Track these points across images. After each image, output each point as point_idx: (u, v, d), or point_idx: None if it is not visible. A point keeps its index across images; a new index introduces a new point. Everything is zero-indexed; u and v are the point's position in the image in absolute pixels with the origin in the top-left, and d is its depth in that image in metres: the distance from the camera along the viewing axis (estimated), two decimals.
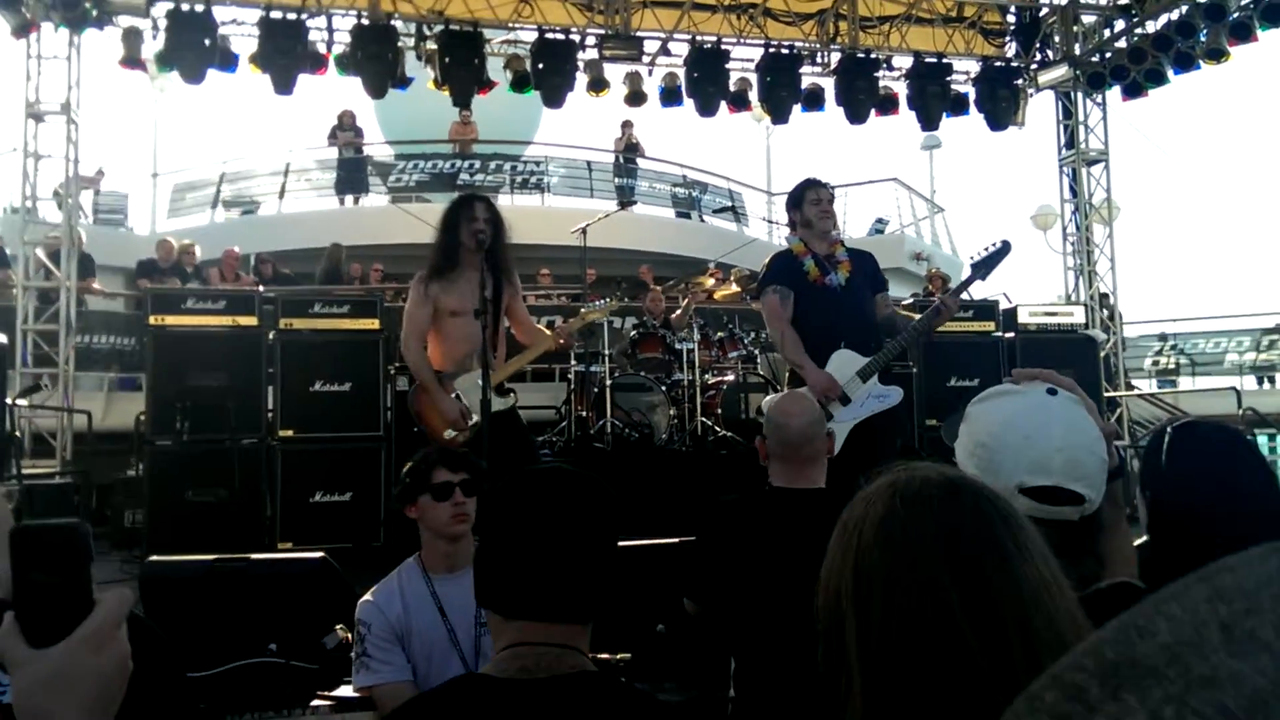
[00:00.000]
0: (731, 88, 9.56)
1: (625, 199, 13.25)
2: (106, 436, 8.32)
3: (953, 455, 1.67)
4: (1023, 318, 7.92)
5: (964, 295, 4.92)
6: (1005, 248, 4.39)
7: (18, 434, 6.28)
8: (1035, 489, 1.46)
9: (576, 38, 9.24)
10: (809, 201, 4.60)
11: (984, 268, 4.40)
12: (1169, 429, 1.82)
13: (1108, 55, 9.94)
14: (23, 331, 8.02)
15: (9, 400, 6.18)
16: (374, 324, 6.62)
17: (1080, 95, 10.51)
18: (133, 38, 8.63)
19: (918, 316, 4.54)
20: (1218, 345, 14.80)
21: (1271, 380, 14.21)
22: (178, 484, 6.06)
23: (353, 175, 14.26)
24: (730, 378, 7.72)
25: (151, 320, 6.34)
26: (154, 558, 3.11)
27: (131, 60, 8.75)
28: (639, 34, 9.44)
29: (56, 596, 0.85)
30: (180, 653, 2.62)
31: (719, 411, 7.57)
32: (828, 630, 0.98)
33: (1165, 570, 1.33)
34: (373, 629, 2.50)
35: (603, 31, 9.35)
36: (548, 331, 4.78)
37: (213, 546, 4.31)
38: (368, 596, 2.60)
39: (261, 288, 9.07)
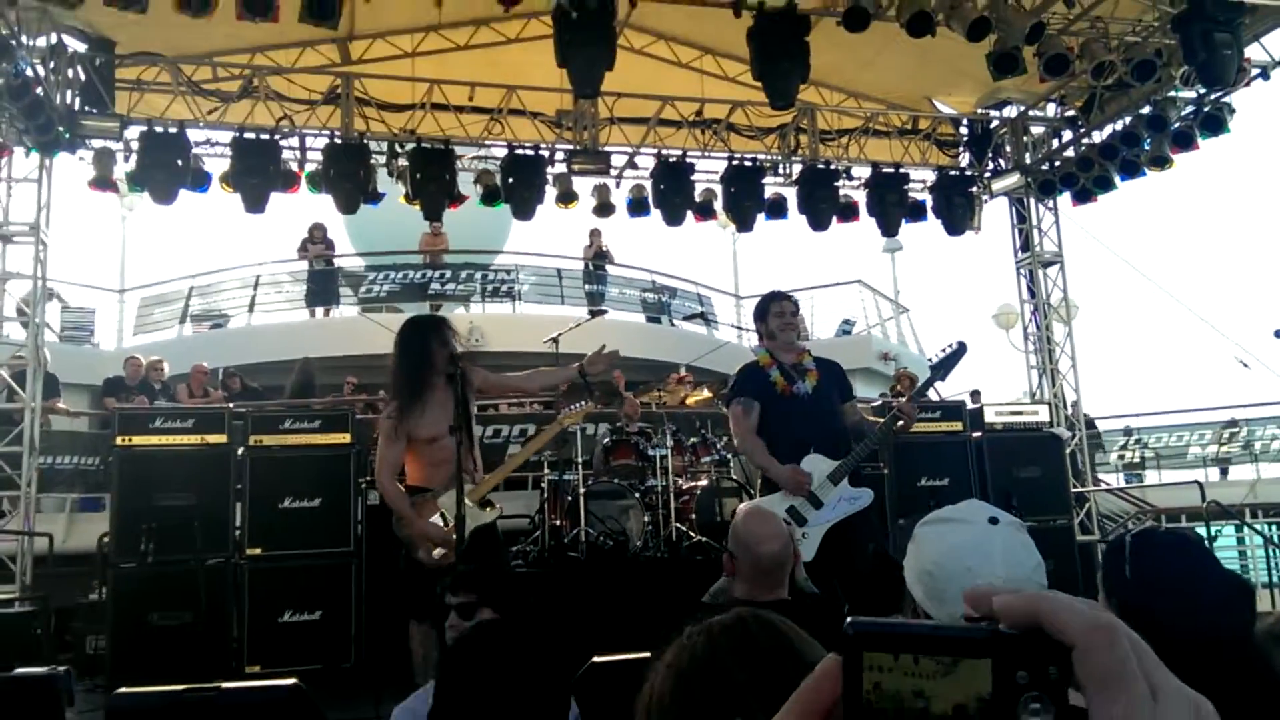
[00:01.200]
0: (697, 198, 9.82)
1: (596, 306, 13.42)
2: (67, 559, 8.13)
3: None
4: (989, 417, 8.05)
5: (930, 394, 5.05)
6: (961, 349, 4.54)
7: None
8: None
9: (546, 153, 9.50)
10: (773, 314, 4.78)
11: (942, 369, 4.57)
12: (1129, 537, 1.88)
13: (1057, 164, 10.33)
14: None
15: None
16: (346, 438, 6.61)
17: (1033, 200, 10.87)
18: (105, 159, 8.76)
19: (882, 421, 4.64)
20: (1180, 439, 15.05)
21: (1225, 473, 14.44)
22: (142, 607, 5.93)
23: (324, 287, 14.36)
24: (704, 483, 7.74)
25: (119, 441, 6.29)
26: (122, 689, 3.03)
27: (102, 181, 8.87)
28: (606, 149, 9.72)
29: None
30: None
31: (693, 516, 7.56)
32: None
33: None
34: None
35: (571, 147, 9.62)
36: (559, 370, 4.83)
37: (178, 672, 4.21)
38: (403, 705, 2.58)
39: (230, 403, 9.04)
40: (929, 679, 0.45)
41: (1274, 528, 11.56)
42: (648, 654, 3.44)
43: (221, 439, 6.45)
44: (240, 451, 6.45)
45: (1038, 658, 0.44)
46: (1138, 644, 0.47)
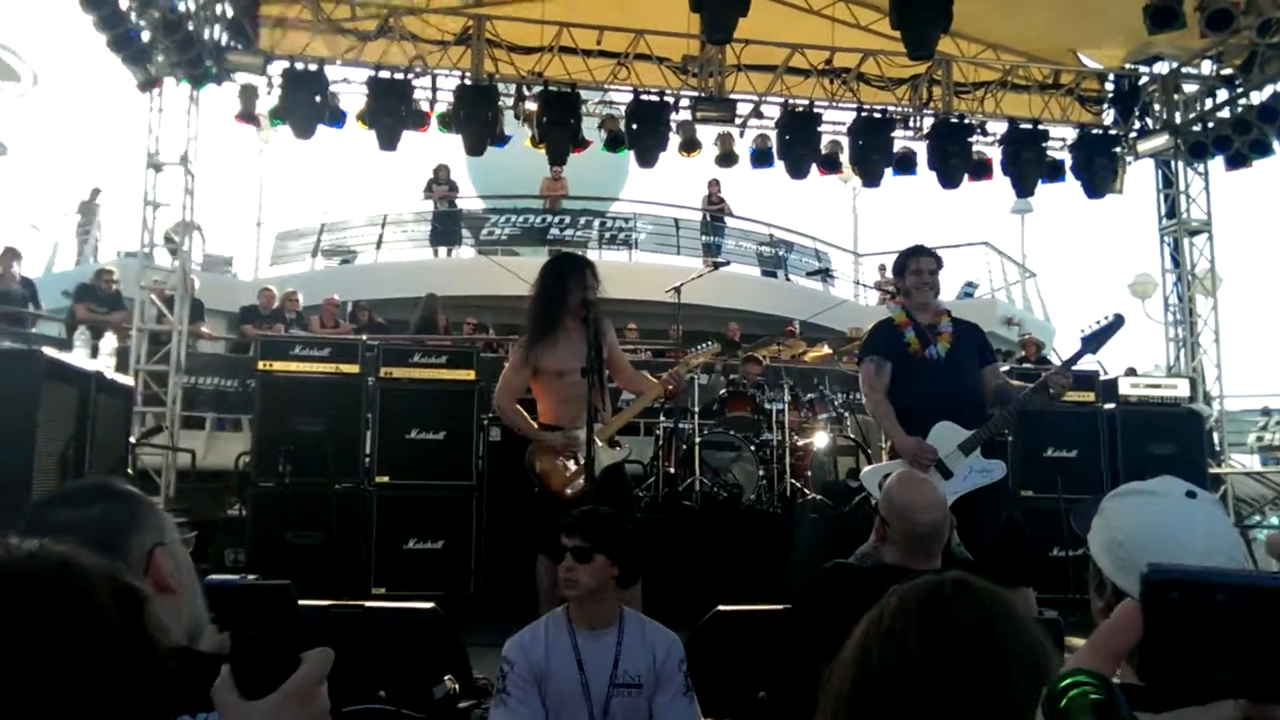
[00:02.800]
0: (823, 150, 9.62)
1: (716, 259, 13.34)
2: (206, 475, 8.59)
3: (1083, 543, 1.67)
4: (1124, 389, 7.68)
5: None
6: (1118, 321, 4.30)
7: (129, 473, 6.51)
8: None
9: (671, 99, 9.41)
10: (910, 271, 4.59)
11: (1095, 341, 4.30)
12: None
13: (1210, 125, 9.75)
14: (135, 371, 8.36)
15: (134, 440, 6.42)
16: (470, 374, 6.74)
17: (1181, 164, 10.31)
18: (249, 94, 9.07)
19: (1029, 386, 4.43)
20: None
21: None
22: (279, 525, 6.21)
23: (446, 228, 14.65)
24: (820, 439, 7.67)
25: (260, 366, 6.55)
26: None
27: (247, 115, 9.19)
28: (732, 96, 9.57)
29: (265, 652, 0.92)
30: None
31: (808, 473, 7.52)
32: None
33: None
34: (516, 668, 2.59)
35: (696, 94, 9.51)
36: (653, 380, 4.78)
37: (309, 589, 4.39)
38: (515, 637, 2.70)
39: (360, 334, 9.34)
40: None
41: None
42: (773, 606, 3.44)
43: (355, 369, 6.66)
44: (371, 382, 6.65)
45: None
46: None
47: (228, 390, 9.60)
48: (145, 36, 8.04)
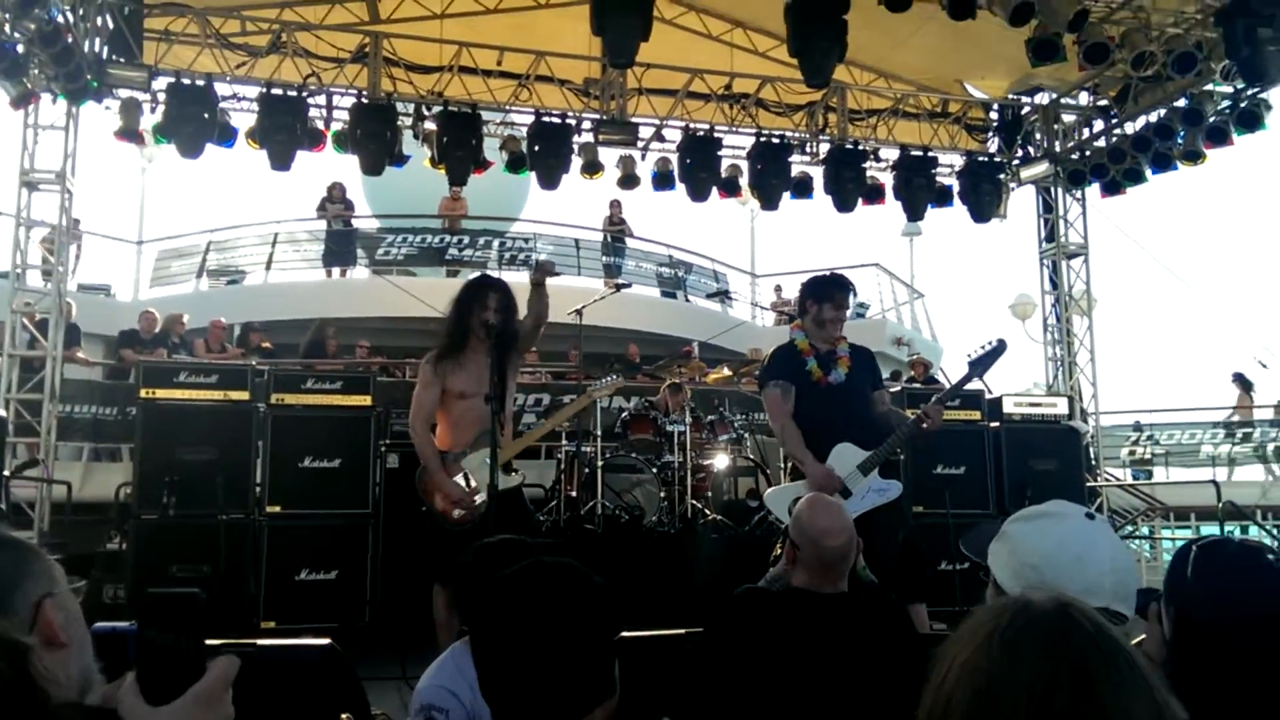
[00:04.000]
0: (723, 174, 9.79)
1: (618, 280, 13.41)
2: (83, 507, 8.20)
3: (978, 566, 1.73)
4: (1008, 407, 7.99)
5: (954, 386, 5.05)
6: (1001, 347, 4.53)
7: (2, 508, 6.18)
8: None
9: (573, 121, 9.45)
10: (830, 305, 4.66)
11: (980, 365, 4.54)
12: (1195, 546, 1.88)
13: (1088, 153, 10.27)
14: (6, 400, 7.95)
15: (7, 474, 6.10)
16: (366, 400, 6.61)
17: (1060, 190, 10.82)
18: (131, 109, 8.74)
19: (911, 416, 4.62)
20: (1192, 436, 15.01)
21: (1230, 474, 14.41)
22: (162, 559, 5.97)
23: (341, 247, 14.35)
24: (719, 461, 7.76)
25: (143, 393, 6.30)
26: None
27: (129, 132, 8.85)
28: (634, 120, 9.67)
29: (171, 658, 0.96)
30: None
31: (709, 494, 7.60)
32: None
33: (1189, 681, 1.38)
34: (450, 715, 2.46)
35: (598, 116, 9.57)
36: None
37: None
38: (430, 681, 2.56)
39: (253, 360, 9.07)
40: None
41: None
42: (676, 631, 3.46)
43: (244, 395, 6.46)
44: (262, 409, 6.47)
45: None
46: None
47: (106, 419, 9.20)
48: (20, 49, 7.69)
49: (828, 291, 4.68)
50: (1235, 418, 14.60)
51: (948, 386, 11.36)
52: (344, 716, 3.13)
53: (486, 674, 1.47)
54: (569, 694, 1.43)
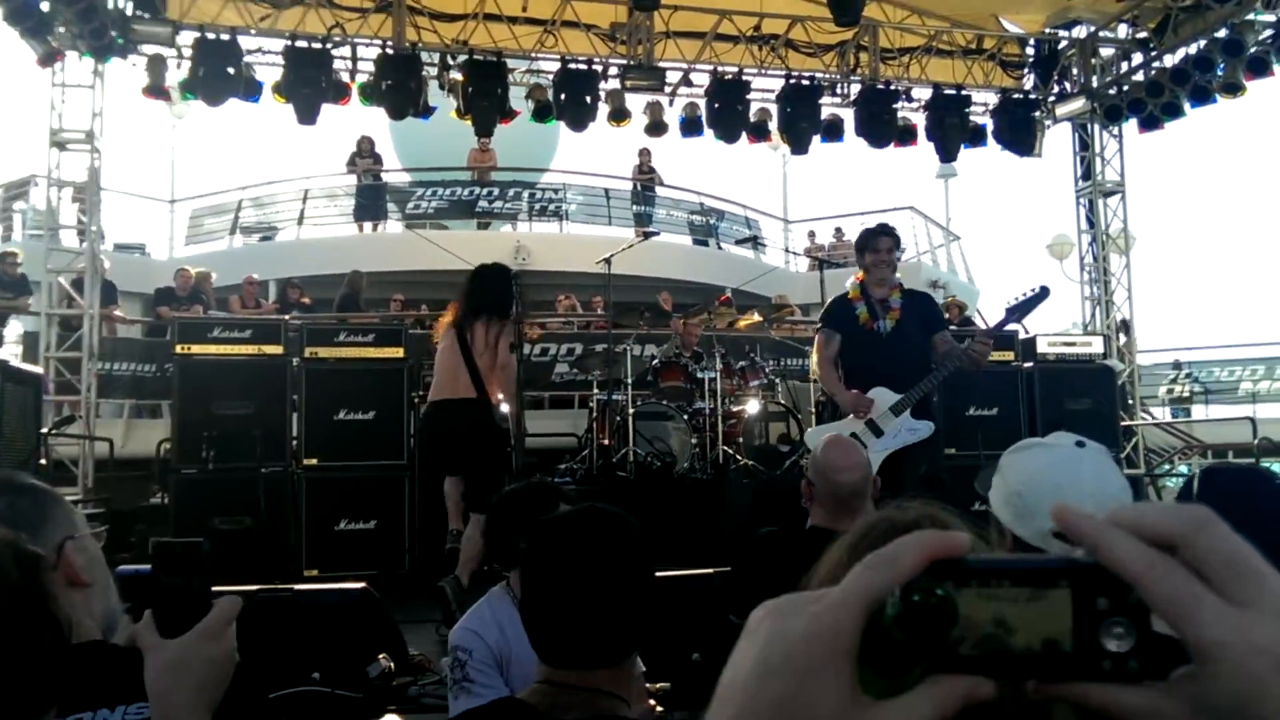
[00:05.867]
0: (752, 118, 9.65)
1: (645, 228, 13.34)
2: (126, 463, 8.39)
3: (980, 500, 1.75)
4: (1041, 347, 7.94)
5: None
6: (1043, 293, 4.71)
7: (43, 463, 6.34)
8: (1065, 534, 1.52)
9: (599, 68, 9.36)
10: (869, 250, 5.04)
11: (1019, 312, 4.75)
12: (1200, 470, 1.89)
13: (1125, 88, 10.02)
14: (45, 359, 8.11)
15: (45, 431, 6.25)
16: (398, 352, 6.70)
17: (1097, 127, 10.59)
18: (157, 66, 8.76)
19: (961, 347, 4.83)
20: (1231, 373, 14.83)
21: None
22: (203, 512, 6.12)
23: (371, 202, 14.41)
24: (751, 406, 7.78)
25: (178, 349, 6.42)
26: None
27: (155, 89, 8.88)
28: (661, 64, 9.55)
29: (181, 598, 1.09)
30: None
31: (740, 440, 7.63)
32: None
33: None
34: (474, 654, 2.53)
35: (625, 62, 9.46)
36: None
37: (239, 574, 4.37)
38: (461, 624, 2.63)
39: (288, 315, 9.17)
40: (1013, 605, 0.44)
41: None
42: (705, 570, 3.52)
43: (278, 350, 6.57)
44: (296, 363, 6.56)
45: (1117, 582, 0.44)
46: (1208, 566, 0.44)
47: (145, 375, 9.37)
48: (45, 7, 7.73)
49: (866, 241, 5.10)
50: None
51: (984, 329, 11.26)
52: (380, 657, 3.24)
53: (532, 613, 1.52)
54: (613, 634, 1.48)
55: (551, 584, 1.50)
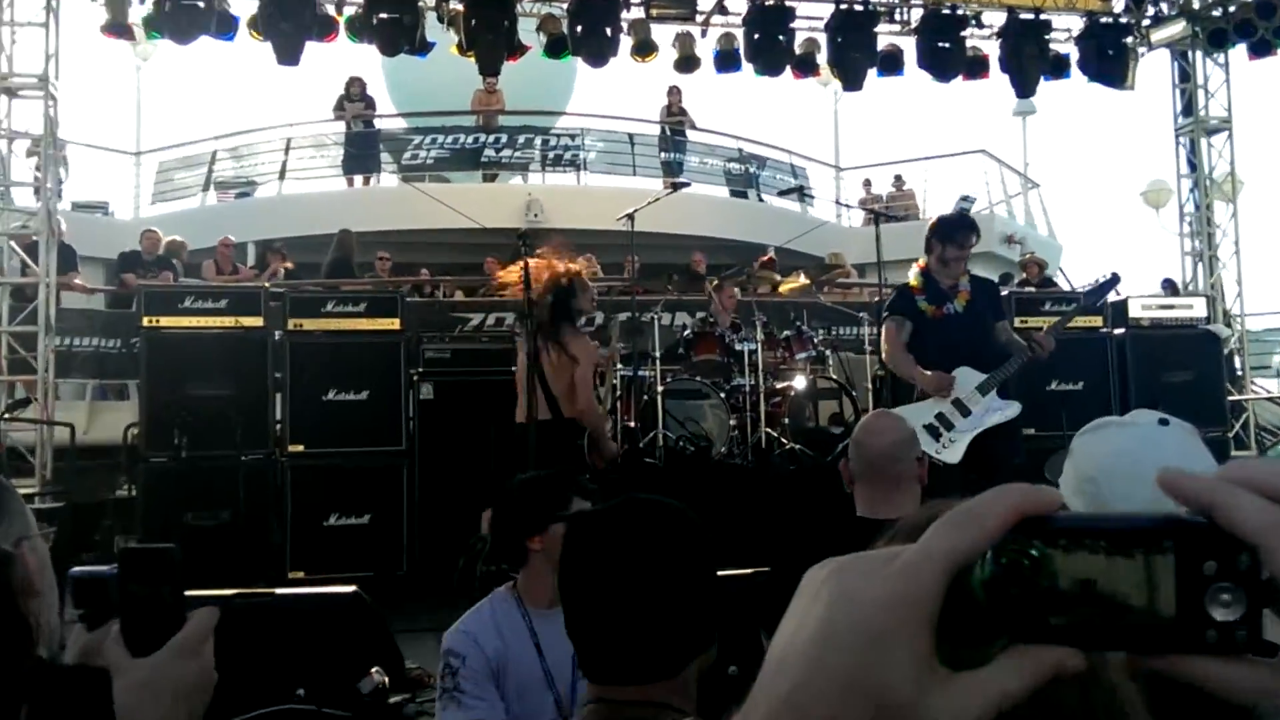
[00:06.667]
0: (797, 50, 9.57)
1: (675, 178, 13.26)
2: (88, 451, 8.46)
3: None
4: (1134, 311, 7.83)
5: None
6: (1114, 279, 5.19)
7: None
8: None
9: None
10: (954, 244, 5.25)
11: (1093, 297, 5.34)
12: None
13: (1231, 9, 9.85)
14: None
15: None
16: (394, 324, 6.69)
17: (1199, 54, 10.42)
18: (118, 1, 8.79)
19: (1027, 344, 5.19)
20: None
21: None
22: (175, 505, 6.16)
23: (362, 152, 14.41)
24: (798, 383, 7.72)
25: (145, 322, 6.44)
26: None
27: (116, 26, 8.93)
28: None
29: (151, 609, 1.09)
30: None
31: (785, 421, 7.58)
32: None
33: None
34: (467, 662, 2.57)
35: None
36: None
37: (216, 576, 4.39)
38: (458, 626, 2.66)
39: (268, 283, 9.18)
40: (1107, 567, 0.46)
41: None
42: (741, 571, 3.50)
43: (257, 322, 6.57)
44: (278, 336, 6.58)
45: (1226, 546, 0.45)
46: None
47: (109, 352, 9.43)
48: None
49: (951, 233, 5.29)
50: None
51: (1066, 290, 11.15)
52: (374, 670, 3.25)
53: (578, 626, 1.52)
54: (671, 642, 1.46)
55: (596, 591, 1.50)
